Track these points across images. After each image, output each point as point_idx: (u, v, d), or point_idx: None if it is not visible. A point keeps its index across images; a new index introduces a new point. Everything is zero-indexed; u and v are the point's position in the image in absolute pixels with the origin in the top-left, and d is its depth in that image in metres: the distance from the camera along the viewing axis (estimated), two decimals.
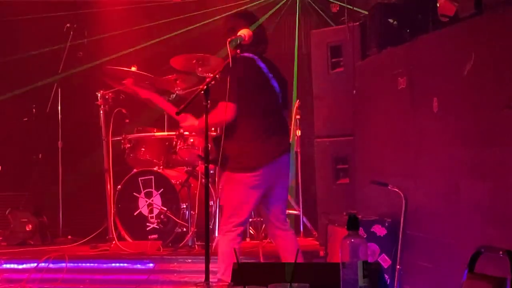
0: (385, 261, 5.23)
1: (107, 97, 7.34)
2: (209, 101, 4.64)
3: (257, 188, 5.13)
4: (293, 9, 8.96)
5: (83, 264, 6.59)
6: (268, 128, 5.19)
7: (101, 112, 7.35)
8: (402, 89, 5.31)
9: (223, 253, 5.06)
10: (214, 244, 5.26)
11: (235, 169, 5.12)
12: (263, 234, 7.19)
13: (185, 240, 6.94)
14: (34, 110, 8.70)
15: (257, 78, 5.21)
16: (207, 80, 4.74)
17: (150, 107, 8.10)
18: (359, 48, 6.50)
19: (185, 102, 4.73)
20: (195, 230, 6.91)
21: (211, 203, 7.04)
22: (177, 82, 7.51)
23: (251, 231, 7.52)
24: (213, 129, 5.85)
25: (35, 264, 6.49)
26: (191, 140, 7.23)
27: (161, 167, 7.47)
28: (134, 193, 7.31)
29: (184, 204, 7.10)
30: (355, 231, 2.47)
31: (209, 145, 4.71)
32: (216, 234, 7.07)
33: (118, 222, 7.27)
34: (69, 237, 7.91)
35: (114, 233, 7.11)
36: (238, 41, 4.99)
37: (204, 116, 4.65)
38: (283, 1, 9.00)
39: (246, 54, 5.19)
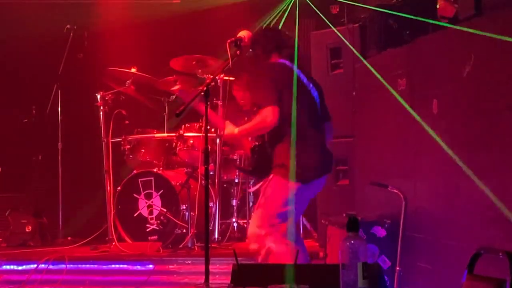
0: (384, 262, 5.23)
1: (107, 98, 7.34)
2: (209, 103, 4.64)
3: (303, 197, 4.97)
4: (293, 10, 8.96)
5: (83, 266, 6.58)
6: (317, 138, 5.05)
7: (101, 113, 7.35)
8: (402, 91, 5.31)
9: (277, 256, 4.79)
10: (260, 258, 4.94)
11: (285, 175, 4.87)
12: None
13: (185, 241, 6.94)
14: (34, 111, 8.70)
15: (300, 88, 5.02)
16: (207, 81, 4.73)
17: (150, 108, 8.12)
18: (359, 49, 6.50)
19: (185, 103, 4.73)
20: (195, 231, 6.91)
21: (211, 204, 7.04)
22: (177, 83, 7.51)
23: None
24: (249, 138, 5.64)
25: (35, 266, 6.49)
26: (191, 141, 7.24)
27: (161, 168, 7.47)
28: (134, 194, 7.31)
29: (184, 205, 7.10)
30: (355, 232, 2.47)
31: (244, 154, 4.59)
32: (216, 236, 7.07)
33: (118, 223, 7.27)
34: (69, 238, 7.90)
35: (114, 234, 7.11)
36: (238, 43, 4.98)
37: (205, 116, 4.64)
38: (284, 3, 9.00)
39: (282, 61, 5.11)
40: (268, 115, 4.87)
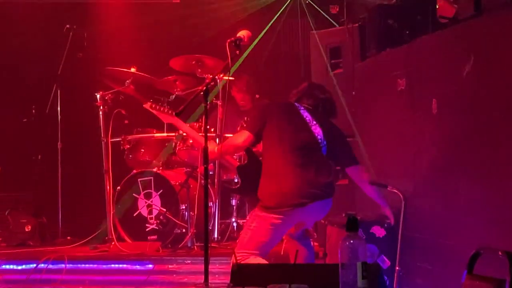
0: (384, 262, 5.23)
1: (106, 98, 7.33)
2: (208, 103, 4.64)
3: (279, 228, 4.91)
4: (294, 11, 8.98)
5: (83, 265, 6.58)
6: (294, 169, 4.95)
7: (101, 113, 7.34)
8: (401, 91, 5.31)
9: None
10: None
11: (258, 206, 4.93)
12: None
13: (184, 241, 6.94)
14: (33, 111, 8.70)
15: (289, 117, 5.12)
16: (207, 81, 4.73)
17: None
18: (359, 49, 6.51)
19: (184, 103, 4.73)
20: (195, 231, 6.90)
21: (210, 204, 7.04)
22: (177, 83, 7.51)
23: None
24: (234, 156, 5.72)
25: (35, 265, 6.49)
26: (190, 141, 7.23)
27: (161, 168, 7.47)
28: (134, 194, 7.31)
29: (184, 205, 7.10)
30: (354, 232, 2.47)
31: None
32: (215, 236, 7.08)
33: (118, 223, 7.27)
34: (69, 238, 7.89)
35: (113, 234, 7.11)
36: (238, 42, 4.98)
37: (204, 116, 4.64)
38: (284, 4, 9.01)
39: (289, 102, 5.27)
40: (241, 139, 5.08)
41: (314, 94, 5.28)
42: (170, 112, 5.50)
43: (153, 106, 5.61)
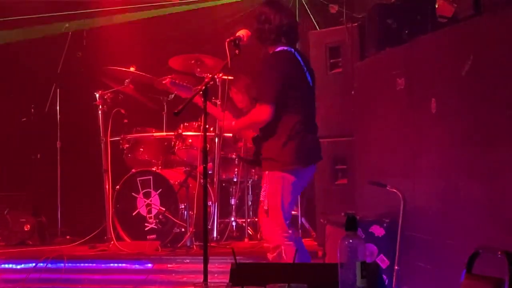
0: (383, 261, 5.23)
1: (105, 97, 7.34)
2: (207, 101, 4.64)
3: (298, 186, 5.05)
4: (293, 10, 8.97)
5: (82, 264, 6.59)
6: (307, 125, 5.09)
7: (100, 112, 7.35)
8: (400, 90, 5.31)
9: (288, 257, 4.85)
10: (273, 255, 4.91)
11: (277, 168, 4.96)
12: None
13: (183, 241, 6.94)
14: (32, 110, 8.70)
15: (297, 74, 5.10)
16: (206, 80, 4.73)
17: (148, 107, 8.12)
18: (358, 49, 6.50)
19: (184, 102, 4.73)
20: (194, 230, 6.91)
21: (210, 203, 7.05)
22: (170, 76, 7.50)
23: (249, 231, 7.52)
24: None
25: (34, 264, 6.49)
26: (190, 140, 7.24)
27: (160, 167, 7.47)
28: (133, 193, 7.31)
29: (183, 204, 7.10)
30: (353, 231, 2.47)
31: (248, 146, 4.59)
32: (214, 235, 7.07)
33: (117, 222, 7.27)
34: (68, 237, 7.90)
35: (112, 233, 7.11)
36: (237, 42, 4.98)
37: (203, 115, 4.64)
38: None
39: (282, 48, 5.11)
40: (262, 113, 4.97)
41: (291, 26, 5.18)
42: (190, 86, 5.46)
43: (173, 81, 5.56)
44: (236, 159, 7.46)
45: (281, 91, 4.95)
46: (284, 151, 4.94)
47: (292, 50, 5.12)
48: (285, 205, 4.96)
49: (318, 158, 5.20)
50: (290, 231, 5.00)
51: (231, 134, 7.03)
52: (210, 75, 5.27)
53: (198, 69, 7.25)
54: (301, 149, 4.99)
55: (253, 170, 7.59)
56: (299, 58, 5.13)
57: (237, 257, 2.78)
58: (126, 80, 7.42)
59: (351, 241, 2.44)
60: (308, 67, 5.22)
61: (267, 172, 5.01)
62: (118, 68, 7.47)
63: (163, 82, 5.85)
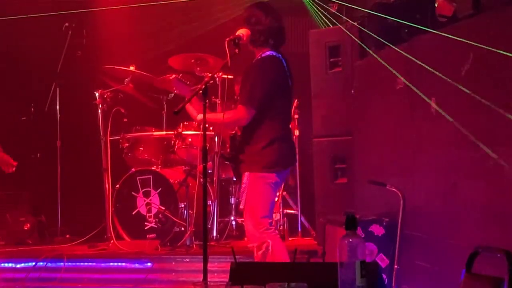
0: (383, 260, 5.24)
1: (105, 96, 7.34)
2: (207, 101, 4.64)
3: (277, 186, 5.21)
4: (293, 9, 8.96)
5: (81, 263, 6.59)
6: (287, 131, 5.30)
7: (100, 111, 7.35)
8: (400, 89, 5.31)
9: (276, 252, 4.97)
10: (260, 252, 5.03)
11: (259, 169, 5.07)
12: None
13: (183, 240, 6.94)
14: (32, 109, 8.70)
15: (282, 82, 5.21)
16: (206, 79, 4.74)
17: (148, 106, 8.12)
18: (358, 48, 6.50)
19: (183, 101, 4.74)
20: (193, 229, 6.91)
21: (209, 202, 7.05)
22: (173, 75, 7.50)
23: None
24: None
25: (33, 264, 6.49)
26: (189, 139, 7.24)
27: (159, 166, 7.47)
28: (132, 193, 7.31)
29: (182, 203, 7.10)
30: (353, 230, 2.47)
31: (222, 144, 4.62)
32: (214, 234, 7.08)
33: (116, 221, 7.27)
34: (67, 236, 7.90)
35: (112, 232, 7.12)
36: (237, 41, 4.98)
37: (203, 115, 4.64)
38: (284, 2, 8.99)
39: (270, 53, 5.17)
40: (241, 115, 5.10)
41: (279, 29, 5.27)
42: (193, 87, 5.49)
43: (179, 79, 5.58)
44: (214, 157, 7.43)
45: (266, 98, 5.06)
46: (265, 153, 5.07)
47: (280, 56, 5.21)
48: (266, 204, 5.08)
49: (294, 161, 5.52)
50: (272, 227, 5.12)
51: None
52: (210, 74, 5.28)
53: (198, 68, 7.25)
54: (282, 153, 5.13)
55: None
56: (284, 64, 5.22)
57: (236, 256, 2.78)
58: (126, 79, 7.42)
59: (350, 240, 2.44)
60: (290, 72, 5.31)
61: (247, 173, 5.10)
62: (118, 67, 7.47)
63: (170, 78, 5.86)
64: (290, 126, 5.50)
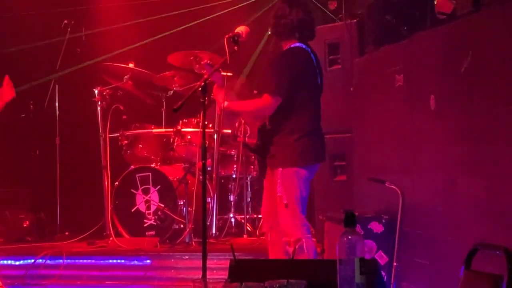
0: (382, 258, 5.24)
1: (104, 93, 7.34)
2: (206, 98, 4.64)
3: (309, 181, 5.09)
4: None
5: (81, 261, 6.60)
6: (318, 125, 5.18)
7: (99, 108, 7.35)
8: (399, 86, 5.31)
9: (308, 250, 4.92)
10: (292, 249, 4.89)
11: (292, 163, 4.99)
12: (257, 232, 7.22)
13: (182, 237, 6.94)
14: (31, 106, 8.70)
15: (309, 73, 5.14)
16: (205, 76, 4.73)
17: (147, 103, 8.12)
18: (357, 45, 6.50)
19: (183, 98, 4.73)
20: (193, 226, 6.91)
21: (209, 199, 7.05)
22: (175, 79, 7.51)
23: (248, 227, 7.52)
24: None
25: (33, 261, 6.50)
26: (189, 137, 7.24)
27: (159, 163, 7.47)
28: (132, 190, 7.31)
29: (182, 200, 7.10)
30: (352, 228, 2.47)
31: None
32: (213, 231, 7.07)
33: (116, 219, 7.27)
34: (67, 233, 7.90)
35: (111, 230, 7.12)
36: (236, 38, 4.98)
37: (202, 112, 4.64)
38: None
39: (298, 44, 5.12)
40: (266, 103, 4.99)
41: (304, 22, 5.20)
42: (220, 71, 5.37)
43: (209, 64, 5.52)
44: (240, 145, 7.34)
45: (292, 87, 4.97)
46: (297, 147, 4.98)
47: (308, 48, 5.14)
48: (302, 199, 5.00)
49: (324, 157, 5.31)
50: (309, 224, 5.06)
51: (229, 131, 7.00)
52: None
53: (197, 65, 7.25)
54: (314, 146, 5.07)
55: (252, 167, 7.59)
56: (313, 58, 5.16)
57: (236, 253, 2.78)
58: (125, 77, 7.41)
59: (350, 237, 2.44)
60: (319, 67, 5.24)
61: (280, 169, 5.00)
62: (117, 64, 7.47)
63: (202, 62, 5.76)
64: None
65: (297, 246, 4.87)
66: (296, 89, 4.99)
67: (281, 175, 4.98)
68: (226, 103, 5.12)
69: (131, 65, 7.48)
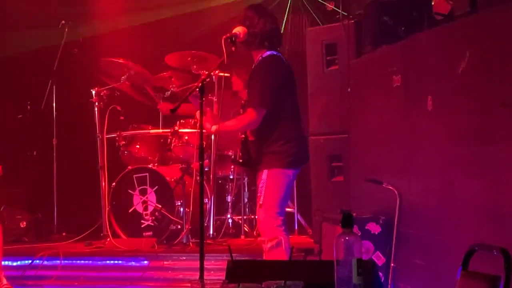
0: (379, 258, 5.24)
1: (102, 94, 7.34)
2: (204, 98, 4.64)
3: (292, 183, 5.25)
4: (289, 7, 8.97)
5: (78, 261, 6.59)
6: (301, 129, 5.30)
7: (96, 109, 7.35)
8: (396, 87, 5.32)
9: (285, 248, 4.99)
10: (269, 246, 4.98)
11: (279, 165, 5.06)
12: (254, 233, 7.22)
13: (179, 238, 6.94)
14: (29, 107, 8.69)
15: (289, 78, 5.22)
16: (202, 77, 4.74)
17: (144, 104, 8.12)
18: (354, 46, 6.50)
19: (180, 99, 4.73)
20: (190, 227, 6.91)
21: (206, 200, 7.05)
22: (172, 79, 7.50)
23: (245, 228, 7.52)
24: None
25: (30, 261, 6.49)
26: (186, 137, 7.23)
27: (156, 164, 7.46)
28: (129, 190, 7.31)
29: (179, 201, 7.10)
30: (349, 228, 2.47)
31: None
32: (210, 232, 7.07)
33: (113, 219, 7.26)
34: (64, 234, 7.89)
35: (108, 230, 7.11)
36: (233, 39, 4.98)
37: (200, 112, 4.64)
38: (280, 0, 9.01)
39: (270, 52, 5.17)
40: (253, 117, 5.05)
41: (273, 31, 5.24)
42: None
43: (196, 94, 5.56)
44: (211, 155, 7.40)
45: (277, 95, 5.06)
46: (283, 152, 5.06)
47: (280, 54, 5.22)
48: (282, 200, 5.07)
49: (308, 159, 5.46)
50: (284, 225, 5.09)
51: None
52: (207, 72, 5.27)
53: (195, 66, 7.25)
54: (299, 150, 5.15)
55: None
56: (285, 63, 5.25)
57: (233, 254, 2.78)
58: (123, 77, 7.41)
59: (347, 238, 2.44)
60: (291, 70, 5.32)
61: (266, 170, 5.06)
62: (116, 60, 7.45)
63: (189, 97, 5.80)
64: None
65: (274, 243, 4.93)
66: (279, 97, 5.08)
67: (268, 175, 5.05)
68: (214, 127, 5.19)
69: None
